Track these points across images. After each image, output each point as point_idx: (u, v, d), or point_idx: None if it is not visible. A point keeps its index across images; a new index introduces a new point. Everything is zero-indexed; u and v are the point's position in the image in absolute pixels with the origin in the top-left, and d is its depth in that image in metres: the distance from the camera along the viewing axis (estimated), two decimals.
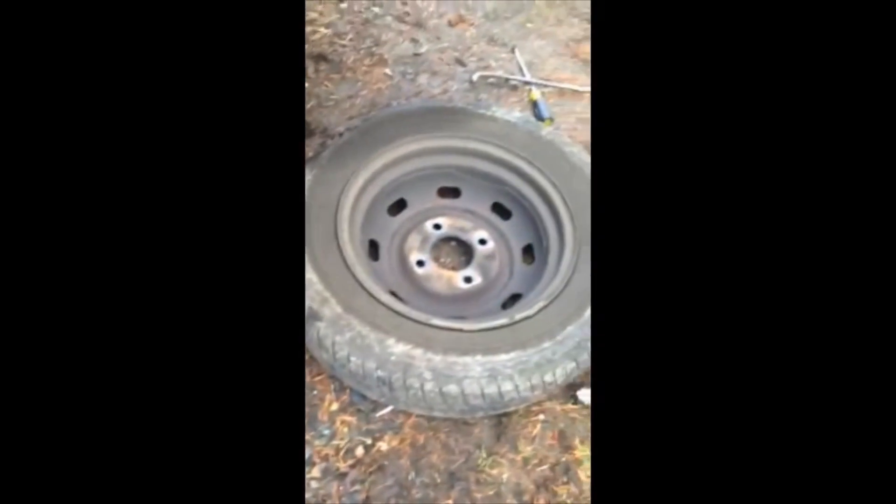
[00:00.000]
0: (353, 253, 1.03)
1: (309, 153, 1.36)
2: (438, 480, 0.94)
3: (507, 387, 0.90)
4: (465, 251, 1.24)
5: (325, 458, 0.94)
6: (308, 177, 1.11)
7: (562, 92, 1.70)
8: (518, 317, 0.98)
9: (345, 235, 1.04)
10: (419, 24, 1.85)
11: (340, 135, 1.21)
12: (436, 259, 1.21)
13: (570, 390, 1.05)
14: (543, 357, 0.94)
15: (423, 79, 1.68)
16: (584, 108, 1.66)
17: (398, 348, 0.90)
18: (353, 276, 0.99)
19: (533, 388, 0.92)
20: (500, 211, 1.28)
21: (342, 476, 0.92)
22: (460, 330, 0.95)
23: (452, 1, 1.99)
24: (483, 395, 0.90)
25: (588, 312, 1.00)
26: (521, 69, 1.75)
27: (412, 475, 0.94)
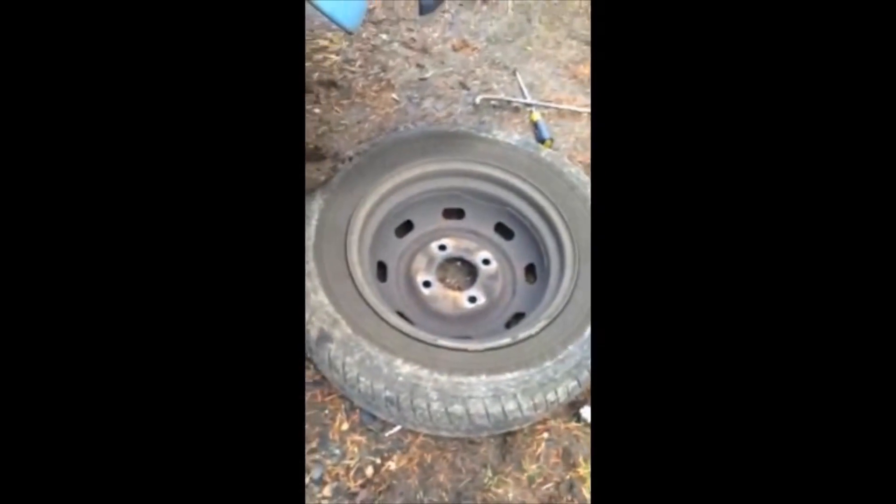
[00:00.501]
0: (363, 275, 1.07)
1: (321, 177, 1.40)
2: (446, 499, 0.96)
3: (511, 406, 0.93)
4: (469, 271, 1.27)
5: (336, 478, 0.96)
6: (319, 201, 1.15)
7: (561, 113, 1.74)
8: (521, 336, 1.01)
9: (354, 258, 1.08)
10: (425, 50, 1.91)
11: (350, 159, 1.26)
12: (441, 279, 1.24)
13: (572, 408, 1.08)
14: (546, 376, 0.97)
15: (428, 103, 1.72)
16: (582, 128, 1.70)
17: (405, 369, 0.93)
18: (363, 298, 1.02)
19: (536, 407, 0.94)
20: (503, 231, 1.31)
21: (353, 495, 0.94)
22: (465, 350, 0.98)
23: (456, 27, 2.04)
24: (488, 415, 0.92)
25: (588, 331, 1.02)
26: (521, 91, 1.79)
27: (420, 494, 0.96)
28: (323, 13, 0.88)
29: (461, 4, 2.13)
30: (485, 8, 2.16)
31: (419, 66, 1.85)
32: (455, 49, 1.96)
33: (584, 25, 2.17)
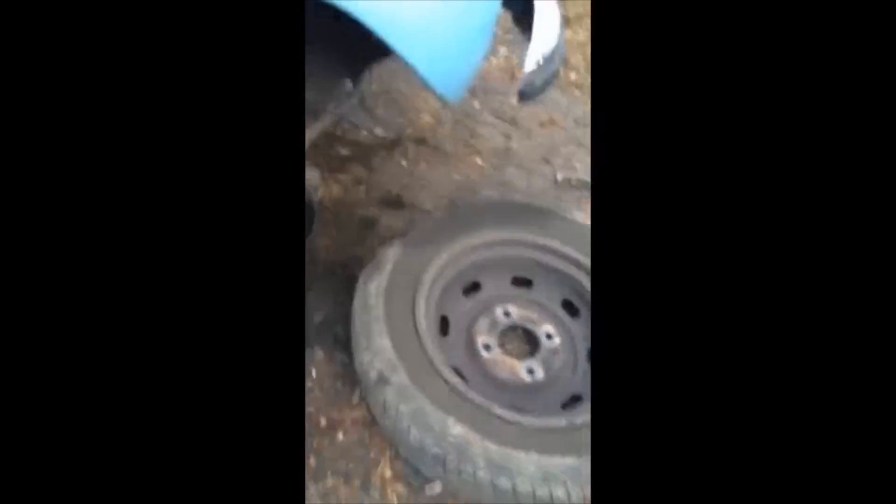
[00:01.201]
0: (427, 327, 1.09)
1: (400, 226, 1.47)
2: None
3: (559, 492, 0.89)
4: (530, 341, 1.27)
5: None
6: (397, 249, 1.20)
7: None
8: (577, 421, 0.99)
9: (421, 310, 1.11)
10: (513, 122, 2.00)
11: (431, 215, 1.32)
12: (501, 345, 1.24)
13: None
14: None
15: (510, 171, 1.79)
16: None
17: (457, 430, 0.93)
18: (424, 350, 1.04)
19: (585, 498, 0.91)
20: (570, 308, 1.31)
21: None
22: (520, 424, 0.96)
23: (546, 104, 2.14)
24: (534, 497, 0.89)
25: None
26: None
27: None
28: (422, 79, 0.83)
29: (555, 85, 2.24)
30: (577, 93, 2.25)
31: (506, 135, 1.94)
32: (542, 125, 2.05)
33: None
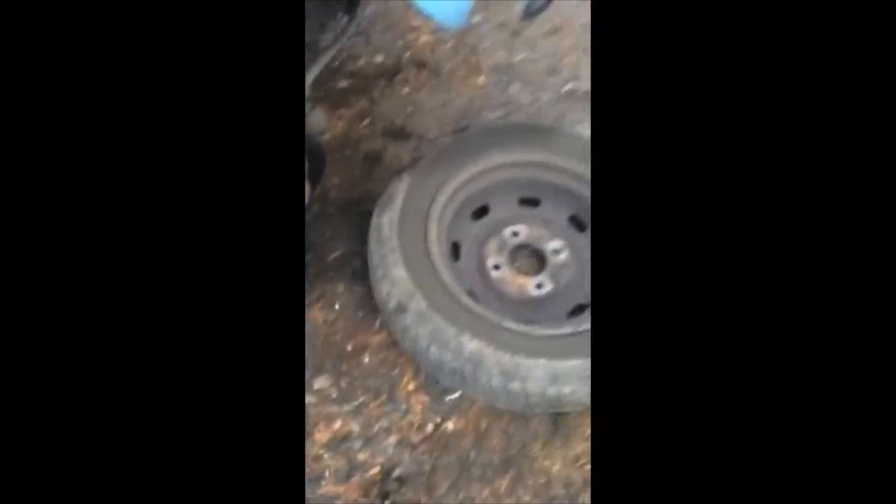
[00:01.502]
0: (439, 255, 1.16)
1: (406, 157, 1.50)
2: (495, 462, 1.06)
3: (566, 390, 1.00)
4: (538, 258, 1.34)
5: (400, 430, 1.09)
6: (406, 182, 1.25)
7: None
8: (582, 328, 1.07)
9: (433, 238, 1.18)
10: (516, 33, 1.93)
11: (434, 144, 1.34)
12: (511, 264, 1.32)
13: None
14: None
15: (514, 88, 1.76)
16: None
17: (472, 345, 1.03)
18: (438, 275, 1.12)
19: (589, 394, 1.01)
20: (577, 224, 1.36)
21: (413, 447, 1.07)
22: (529, 335, 1.06)
23: (551, 12, 2.04)
24: (544, 396, 1.01)
25: None
26: None
27: (473, 454, 1.07)
28: (424, 15, 0.88)
29: None
30: None
31: (509, 49, 1.88)
32: (547, 35, 1.96)
33: None
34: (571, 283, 1.27)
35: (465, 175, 1.29)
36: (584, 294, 1.25)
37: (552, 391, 1.00)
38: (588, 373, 1.01)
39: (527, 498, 1.03)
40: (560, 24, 2.00)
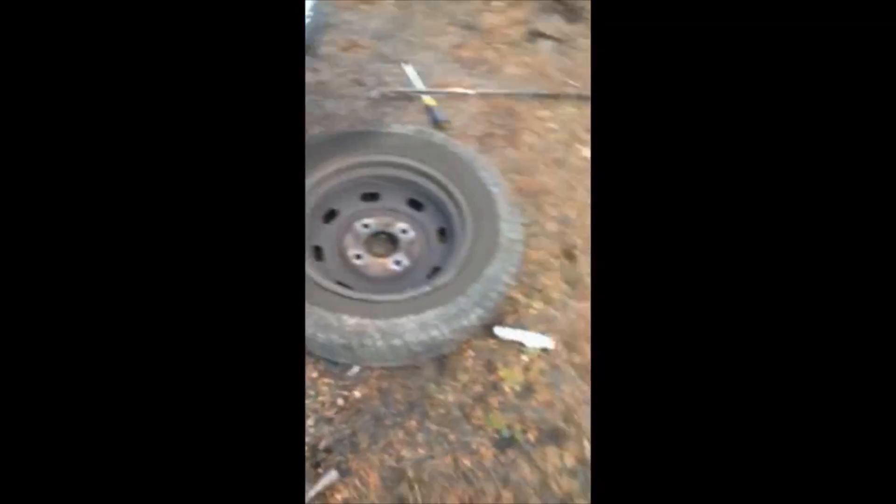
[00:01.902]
0: (306, 258, 1.34)
1: None
2: (402, 409, 1.28)
3: (435, 333, 1.25)
4: (392, 241, 1.57)
5: (315, 411, 1.25)
6: None
7: (451, 95, 2.03)
8: (438, 284, 1.33)
9: None
10: (314, 55, 2.12)
11: None
12: (369, 251, 1.53)
13: (487, 330, 1.42)
14: (459, 309, 1.29)
15: (329, 103, 1.96)
16: (469, 107, 2.00)
17: (352, 321, 1.23)
18: (308, 277, 1.30)
19: (454, 331, 1.27)
20: (415, 205, 1.61)
21: (330, 420, 1.24)
22: (395, 301, 1.29)
23: (340, 28, 2.26)
24: (420, 342, 1.24)
25: (487, 270, 1.35)
26: (413, 81, 2.07)
27: (383, 410, 1.27)
28: None
29: (340, 7, 2.34)
30: (366, 7, 2.38)
31: (314, 69, 2.07)
32: (344, 49, 2.18)
33: (463, 11, 2.44)
34: (422, 253, 1.52)
35: (308, 185, 1.47)
36: (435, 258, 1.52)
37: (424, 337, 1.24)
38: (448, 316, 1.27)
39: (434, 427, 1.27)
40: (354, 38, 2.23)
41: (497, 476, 1.22)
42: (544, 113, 1.97)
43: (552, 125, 1.93)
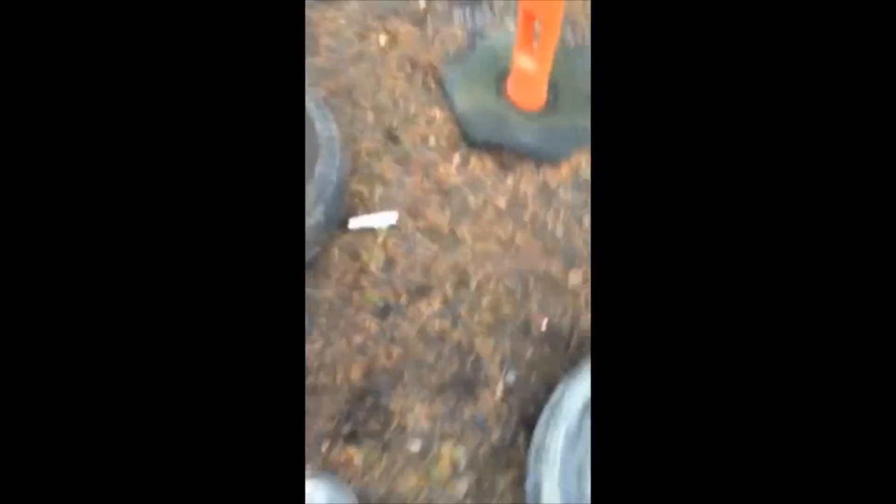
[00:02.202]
0: None
1: None
2: None
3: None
4: None
5: None
6: None
7: None
8: None
9: None
10: None
11: None
12: None
13: (343, 227, 1.56)
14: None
15: None
16: None
17: None
18: None
19: (308, 231, 1.40)
20: None
21: None
22: None
23: None
24: None
25: (316, 169, 1.45)
26: None
27: None
28: None
29: None
30: None
31: None
32: None
33: None
34: None
35: None
36: None
37: None
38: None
39: (323, 320, 1.44)
40: None
41: (385, 339, 1.44)
42: (332, 13, 1.99)
43: (342, 21, 1.97)
